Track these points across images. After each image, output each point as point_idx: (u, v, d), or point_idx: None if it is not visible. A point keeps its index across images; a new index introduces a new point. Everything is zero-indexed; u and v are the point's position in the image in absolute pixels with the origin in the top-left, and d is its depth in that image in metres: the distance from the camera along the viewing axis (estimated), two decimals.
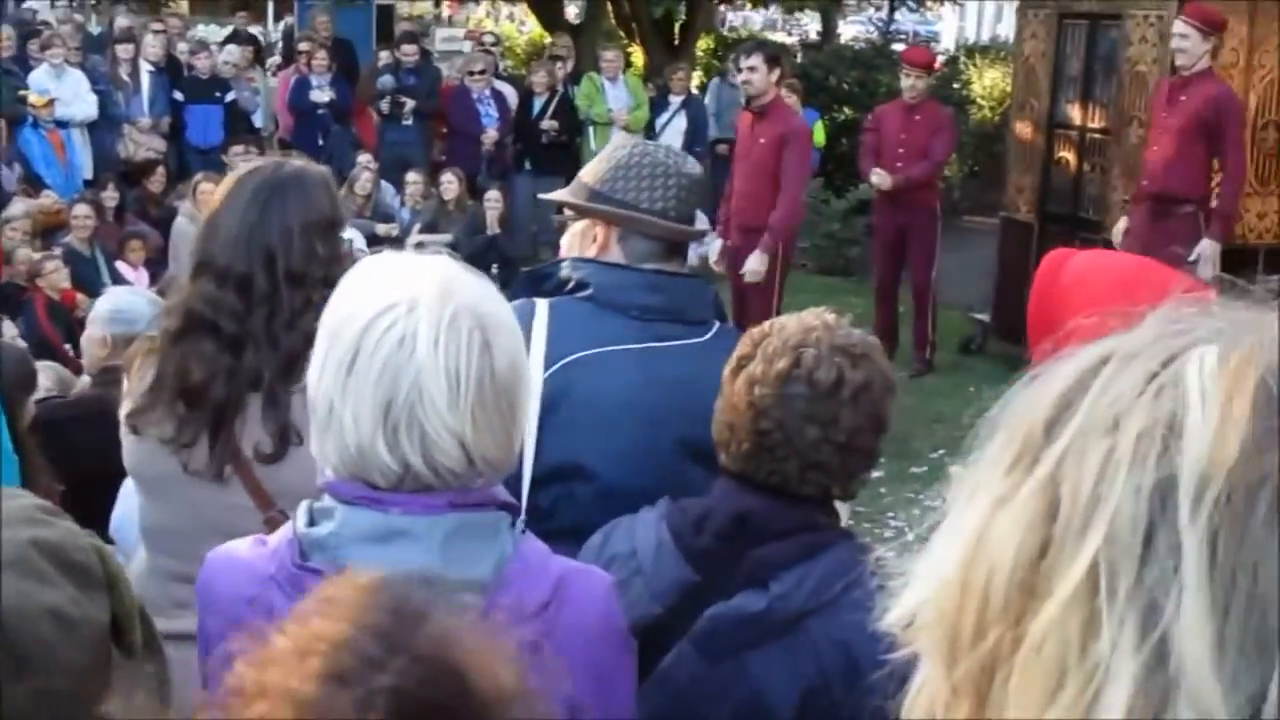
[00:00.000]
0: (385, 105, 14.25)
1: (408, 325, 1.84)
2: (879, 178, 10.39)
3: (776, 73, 9.43)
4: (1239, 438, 0.78)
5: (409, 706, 1.01)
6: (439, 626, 1.07)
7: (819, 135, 13.56)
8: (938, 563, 0.91)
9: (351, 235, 6.36)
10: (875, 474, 2.62)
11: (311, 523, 1.94)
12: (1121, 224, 9.29)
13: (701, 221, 3.33)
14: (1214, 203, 8.79)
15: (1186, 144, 8.72)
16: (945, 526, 0.92)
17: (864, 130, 11.51)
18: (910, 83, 10.67)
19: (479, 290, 1.92)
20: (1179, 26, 8.76)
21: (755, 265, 9.21)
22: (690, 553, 2.42)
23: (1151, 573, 0.78)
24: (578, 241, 3.13)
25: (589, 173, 3.14)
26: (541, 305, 2.96)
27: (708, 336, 3.01)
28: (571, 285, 3.00)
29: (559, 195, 3.21)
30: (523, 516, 2.11)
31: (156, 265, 11.23)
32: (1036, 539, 0.83)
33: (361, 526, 1.89)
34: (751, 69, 9.37)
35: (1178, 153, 8.74)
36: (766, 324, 2.49)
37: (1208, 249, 8.51)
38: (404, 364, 1.83)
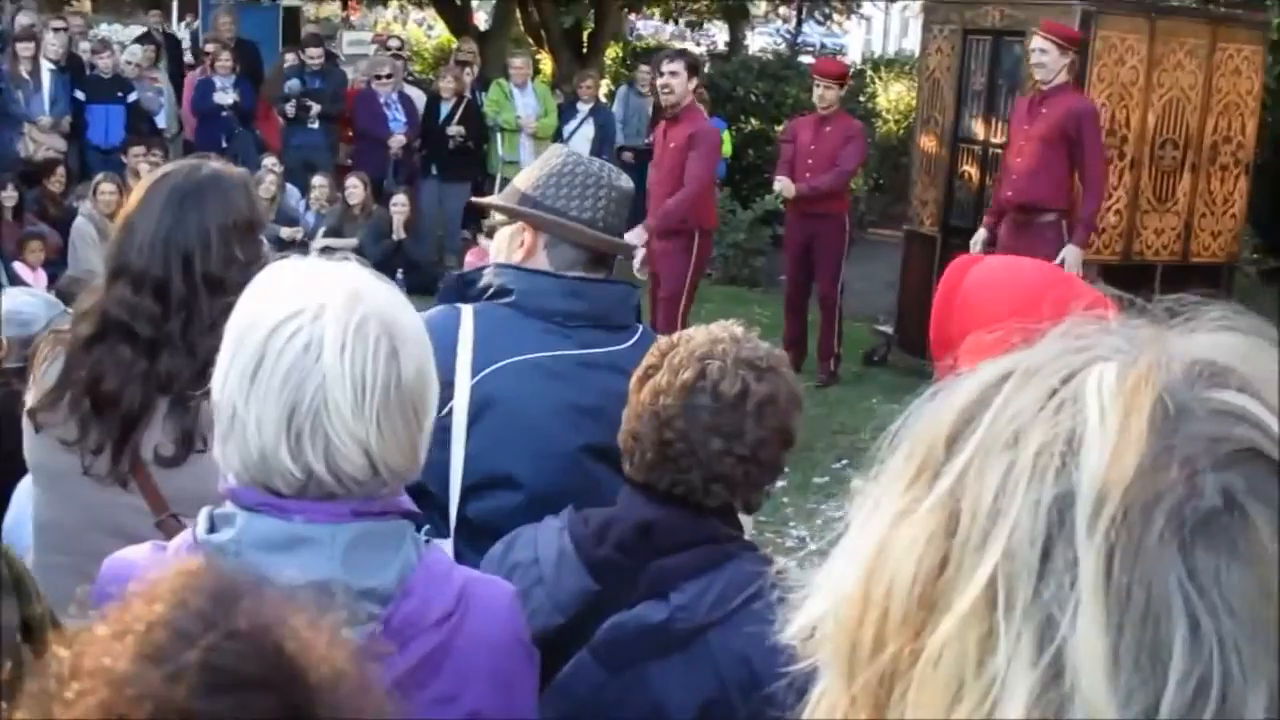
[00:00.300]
0: (291, 109, 14.12)
1: (314, 331, 1.82)
2: (782, 184, 10.48)
3: (694, 81, 9.53)
4: (1136, 455, 0.78)
5: (220, 680, 0.99)
6: (257, 605, 1.06)
7: (726, 145, 13.61)
8: (839, 576, 0.91)
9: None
10: (778, 484, 2.63)
11: (212, 529, 1.91)
12: (980, 234, 9.48)
13: (635, 237, 3.41)
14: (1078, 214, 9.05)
15: (1048, 154, 9.01)
16: (846, 540, 0.92)
17: (779, 142, 11.60)
18: (820, 93, 10.75)
19: (387, 297, 1.90)
20: (1037, 42, 9.05)
21: (633, 237, 9.35)
22: (591, 562, 2.41)
23: (1049, 588, 0.78)
24: (505, 245, 3.13)
25: (523, 179, 3.15)
26: (466, 311, 2.95)
27: (630, 342, 3.01)
28: (493, 291, 3.00)
29: (492, 200, 3.23)
30: (428, 527, 2.09)
31: (56, 266, 11.03)
32: (936, 553, 0.84)
33: (262, 533, 1.86)
34: (674, 74, 9.51)
35: (1040, 163, 9.02)
36: (674, 335, 2.50)
37: (1071, 255, 8.76)
38: (309, 370, 1.81)
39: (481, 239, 12.34)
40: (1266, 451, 0.80)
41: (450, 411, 2.83)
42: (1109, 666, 0.76)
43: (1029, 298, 2.70)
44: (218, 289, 2.75)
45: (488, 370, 2.89)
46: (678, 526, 2.40)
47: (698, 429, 2.33)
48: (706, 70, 17.72)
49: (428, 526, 2.09)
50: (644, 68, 16.56)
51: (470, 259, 11.17)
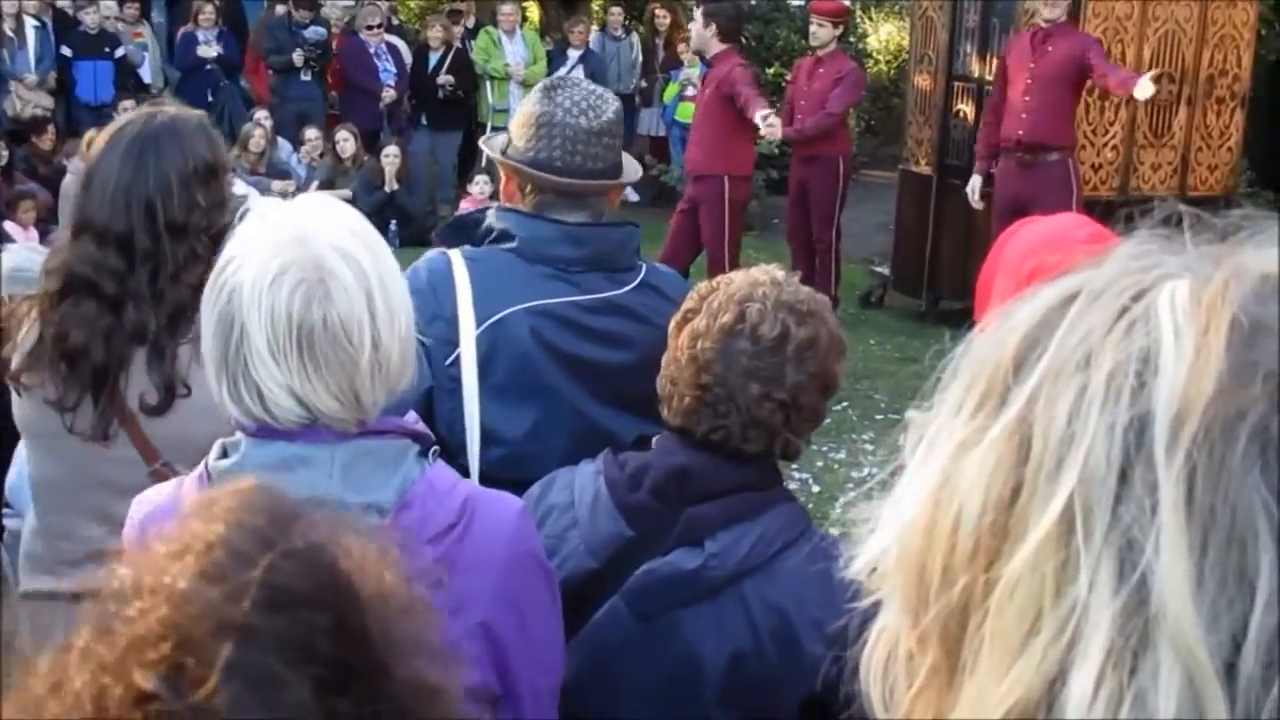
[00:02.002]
0: (299, 57, 13.95)
1: (237, 277, 1.88)
2: (765, 123, 10.10)
3: (713, 27, 9.59)
4: (1215, 372, 0.76)
5: (279, 599, 1.02)
6: (313, 525, 1.09)
7: None
8: (902, 509, 0.89)
9: (246, 192, 6.26)
10: None
11: (224, 456, 1.99)
12: (976, 181, 9.48)
13: (631, 171, 3.35)
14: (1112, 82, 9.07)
15: (1055, 93, 9.05)
16: (908, 473, 0.90)
17: (786, 84, 11.58)
18: (814, 31, 10.68)
19: (335, 239, 1.91)
20: None
21: (771, 127, 9.52)
22: (626, 508, 2.38)
23: (1128, 512, 0.76)
24: (508, 189, 3.10)
25: (514, 125, 3.10)
26: (457, 258, 2.90)
27: (634, 284, 2.99)
28: (496, 235, 2.97)
29: (491, 146, 3.18)
30: (435, 448, 2.08)
31: (47, 224, 10.97)
32: (1007, 481, 0.82)
33: (264, 456, 1.93)
34: (693, 21, 9.83)
35: (1048, 102, 9.05)
36: (714, 280, 2.46)
37: (1142, 84, 8.68)
38: (233, 315, 1.88)
39: (472, 187, 12.30)
40: None
41: (456, 360, 2.82)
42: (1194, 590, 0.74)
43: (1062, 240, 2.69)
44: (181, 235, 2.78)
45: (493, 319, 2.85)
46: (714, 473, 2.37)
47: (736, 373, 2.30)
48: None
49: (436, 448, 2.08)
50: (615, 10, 16.45)
51: (465, 205, 11.13)
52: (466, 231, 3.03)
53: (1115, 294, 0.82)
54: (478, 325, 2.84)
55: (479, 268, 2.90)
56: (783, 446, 2.40)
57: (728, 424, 2.33)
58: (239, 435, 1.98)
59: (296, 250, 1.88)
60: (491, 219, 3.00)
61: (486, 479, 2.70)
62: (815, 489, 7.30)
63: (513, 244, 2.94)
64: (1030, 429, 0.81)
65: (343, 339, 1.87)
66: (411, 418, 2.07)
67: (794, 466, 7.47)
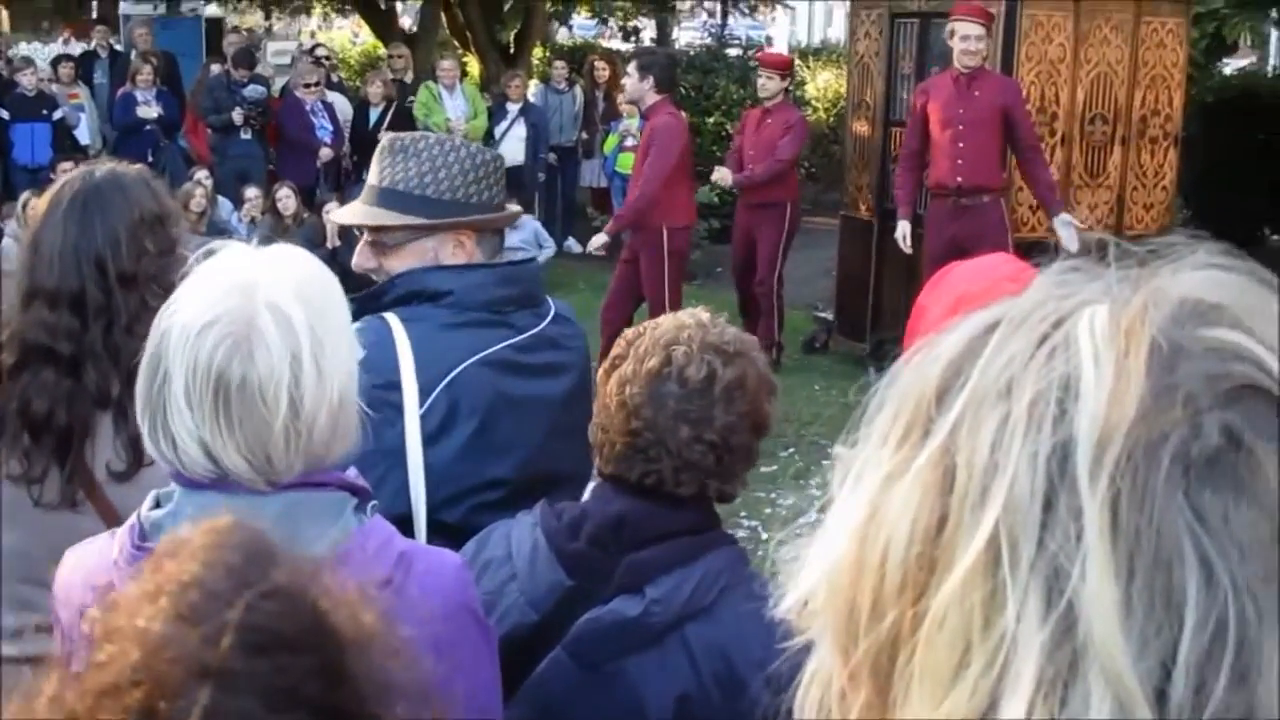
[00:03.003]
0: (239, 116, 13.89)
1: (172, 319, 1.88)
2: (719, 174, 10.61)
3: (649, 79, 9.59)
4: (1136, 396, 0.76)
5: (258, 640, 0.99)
6: (291, 564, 1.06)
7: None
8: (831, 544, 0.88)
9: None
10: None
11: (157, 508, 1.97)
12: (904, 227, 9.55)
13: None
14: (1038, 187, 9.17)
15: (986, 136, 9.19)
16: (836, 507, 0.90)
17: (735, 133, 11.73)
18: (762, 83, 10.96)
19: (274, 295, 1.88)
20: (967, 28, 9.19)
21: (596, 240, 9.74)
22: (565, 557, 2.37)
23: (1054, 539, 0.76)
24: (430, 258, 3.04)
25: (409, 181, 3.03)
26: (394, 322, 2.88)
27: (550, 316, 3.06)
28: (424, 295, 2.94)
29: (403, 221, 3.04)
30: (374, 503, 2.06)
31: None
32: (933, 512, 0.81)
33: (195, 506, 1.89)
34: (627, 75, 9.79)
35: (981, 146, 9.20)
36: (642, 325, 2.46)
37: (1064, 224, 8.94)
38: (160, 357, 1.87)
39: None
40: (1266, 387, 0.78)
41: (401, 432, 2.80)
42: (1122, 616, 0.74)
43: (988, 275, 2.72)
44: (131, 285, 2.75)
45: (447, 379, 2.85)
46: (650, 519, 2.35)
47: (665, 416, 2.29)
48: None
49: (375, 502, 2.06)
50: (559, 64, 16.55)
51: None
52: (376, 300, 2.99)
53: (1036, 321, 0.82)
54: (435, 385, 2.83)
55: (418, 328, 2.88)
56: (717, 489, 2.39)
57: (660, 468, 2.31)
58: (172, 485, 1.96)
59: (232, 301, 1.86)
60: (412, 282, 2.97)
61: (447, 531, 2.69)
62: (764, 536, 7.28)
63: (450, 298, 2.93)
64: (954, 459, 0.81)
65: (258, 400, 1.84)
66: (351, 472, 2.05)
67: (742, 514, 7.46)
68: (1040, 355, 0.80)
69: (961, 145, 9.23)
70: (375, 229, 3.06)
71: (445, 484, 2.84)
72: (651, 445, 2.30)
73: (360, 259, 3.06)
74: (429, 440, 2.83)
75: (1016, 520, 0.77)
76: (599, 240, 9.69)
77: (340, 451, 1.97)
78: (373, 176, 3.09)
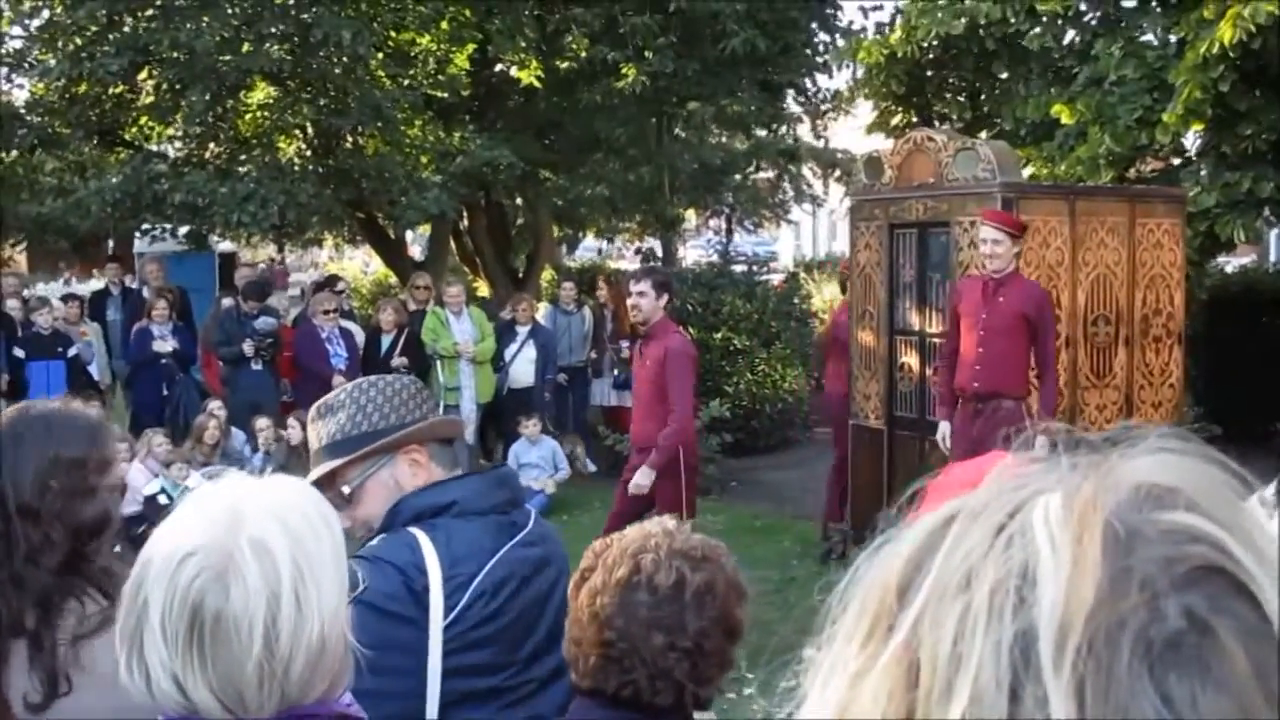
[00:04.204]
0: (250, 348, 14.05)
1: (155, 548, 1.86)
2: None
3: (664, 298, 9.46)
4: (1093, 582, 0.76)
5: None
6: None
7: None
8: None
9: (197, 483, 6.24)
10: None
11: None
12: (944, 428, 9.49)
13: (643, 477, 3.64)
14: (1040, 404, 9.05)
15: (1008, 343, 9.02)
16: (805, 708, 0.89)
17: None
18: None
19: (259, 529, 1.86)
20: (988, 232, 9.05)
21: (641, 480, 9.20)
22: None
23: None
24: (393, 485, 3.11)
25: (344, 427, 3.13)
26: (420, 535, 2.95)
27: (533, 513, 3.22)
28: (431, 511, 3.02)
29: (349, 458, 3.13)
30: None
31: None
32: (900, 708, 0.80)
33: None
34: (641, 293, 9.35)
35: (1002, 352, 9.03)
36: (608, 537, 2.48)
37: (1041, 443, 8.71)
38: (140, 585, 1.85)
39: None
40: (1225, 568, 0.78)
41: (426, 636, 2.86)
42: None
43: (975, 474, 2.71)
44: (34, 520, 2.74)
45: (477, 580, 2.93)
46: None
47: (637, 625, 2.29)
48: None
49: None
50: (567, 285, 16.80)
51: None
52: (388, 529, 3.06)
53: (992, 512, 0.83)
54: (466, 589, 2.91)
55: (441, 536, 2.96)
56: (694, 695, 2.36)
57: (635, 678, 2.30)
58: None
59: (214, 533, 1.84)
60: (421, 500, 3.05)
61: None
62: None
63: (454, 509, 3.00)
64: (917, 653, 0.80)
65: (231, 636, 1.81)
66: (346, 699, 2.00)
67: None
68: (998, 545, 0.80)
69: (981, 350, 9.08)
70: (329, 480, 3.12)
71: (473, 681, 2.89)
72: (625, 655, 2.29)
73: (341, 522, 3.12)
74: (461, 640, 2.89)
75: (983, 712, 0.76)
76: (645, 480, 9.33)
77: (322, 691, 1.91)
78: (312, 443, 3.19)
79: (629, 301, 9.63)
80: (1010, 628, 0.77)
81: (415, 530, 2.97)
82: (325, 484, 3.10)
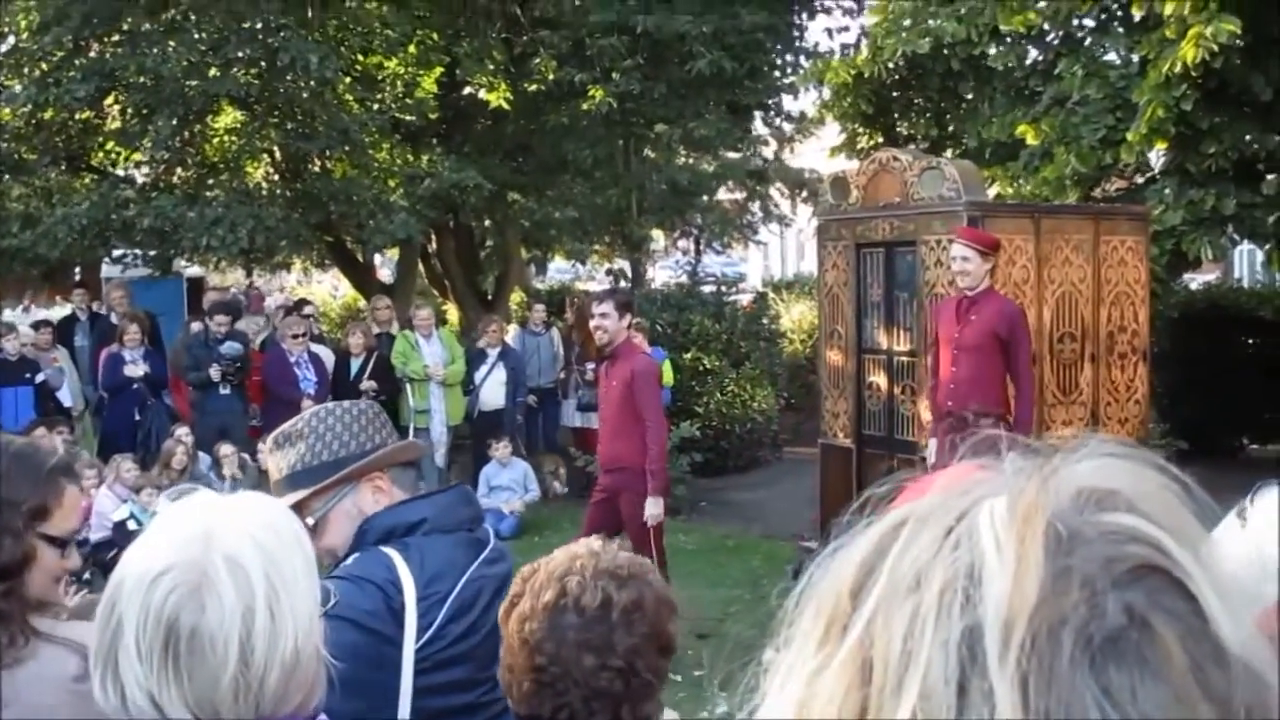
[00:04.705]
0: (217, 372, 14.01)
1: (129, 567, 1.87)
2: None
3: (626, 318, 9.46)
4: (1036, 580, 0.80)
5: None
6: None
7: (667, 373, 13.72)
8: None
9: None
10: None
11: None
12: (932, 445, 9.50)
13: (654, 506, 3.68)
14: (1015, 419, 9.03)
15: (981, 361, 8.96)
16: (764, 708, 0.92)
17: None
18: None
19: (232, 546, 1.87)
20: (959, 250, 9.02)
21: (654, 510, 9.14)
22: None
23: None
24: (355, 514, 3.13)
25: (304, 458, 3.14)
26: (394, 554, 2.99)
27: (492, 530, 3.27)
28: (401, 530, 3.05)
29: (312, 490, 3.14)
30: None
31: None
32: (854, 705, 0.84)
33: None
34: (604, 315, 9.30)
35: (975, 371, 8.97)
36: (535, 562, 2.48)
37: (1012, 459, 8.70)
38: (114, 604, 1.86)
39: None
40: (1163, 567, 0.81)
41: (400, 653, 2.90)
42: None
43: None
44: None
45: (451, 598, 2.98)
46: None
47: (568, 648, 2.29)
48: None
49: None
50: (538, 307, 16.83)
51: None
52: (359, 546, 3.09)
53: (941, 516, 0.86)
54: (440, 607, 2.96)
55: (414, 554, 3.00)
56: (631, 714, 2.35)
57: (569, 700, 2.30)
58: None
59: (188, 551, 1.85)
60: (390, 518, 3.08)
61: None
62: None
63: (424, 527, 3.04)
64: (870, 652, 0.84)
65: (207, 652, 1.82)
66: (321, 718, 2.02)
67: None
68: (946, 547, 0.84)
69: (954, 369, 9.08)
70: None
71: (447, 698, 2.93)
72: (558, 679, 2.29)
73: None
74: (436, 658, 2.92)
75: (933, 706, 0.79)
76: (657, 509, 9.23)
77: (296, 703, 1.92)
78: (272, 474, 3.20)
79: (592, 324, 9.59)
80: (958, 626, 0.80)
81: (388, 550, 2.99)
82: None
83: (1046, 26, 14.42)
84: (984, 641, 0.79)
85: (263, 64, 15.86)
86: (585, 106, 17.48)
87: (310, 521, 3.10)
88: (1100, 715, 0.76)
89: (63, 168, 17.75)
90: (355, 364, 14.43)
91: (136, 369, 14.14)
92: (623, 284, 19.91)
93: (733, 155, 21.38)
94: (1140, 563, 0.81)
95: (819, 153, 20.44)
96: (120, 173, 18.01)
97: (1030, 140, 13.63)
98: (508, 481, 13.65)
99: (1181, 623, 0.80)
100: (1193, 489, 0.89)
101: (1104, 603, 0.79)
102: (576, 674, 2.28)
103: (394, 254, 21.95)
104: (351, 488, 3.11)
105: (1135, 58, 13.16)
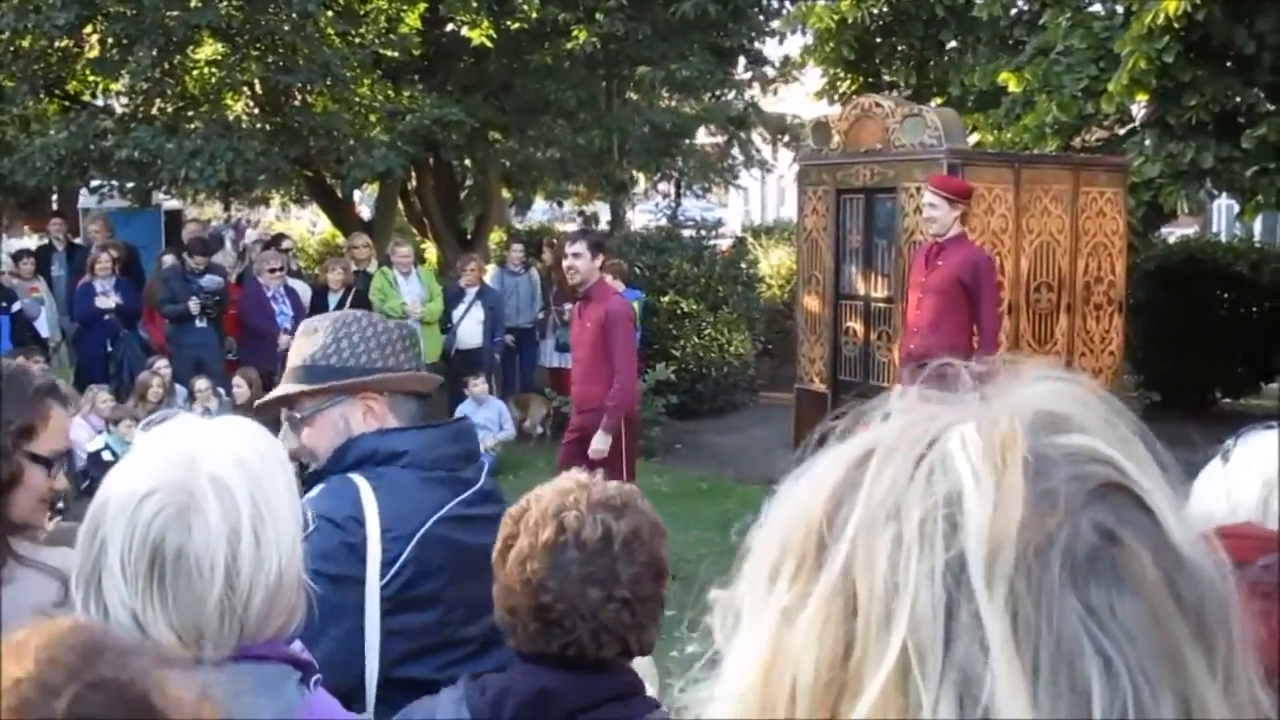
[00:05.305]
0: (196, 305, 13.93)
1: (113, 488, 1.88)
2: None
3: (599, 258, 9.43)
4: (1019, 505, 0.81)
5: None
6: (122, 657, 1.09)
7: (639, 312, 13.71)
8: (732, 685, 0.90)
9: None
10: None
11: None
12: (896, 390, 9.49)
13: (600, 441, 3.57)
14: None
15: (945, 306, 8.97)
16: (730, 650, 0.92)
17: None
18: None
19: (218, 467, 1.88)
20: (927, 197, 9.02)
21: (599, 445, 9.14)
22: None
23: (960, 648, 0.80)
24: (342, 426, 3.12)
25: (312, 355, 3.14)
26: (362, 483, 2.95)
27: (485, 468, 3.18)
28: (380, 457, 3.02)
29: (306, 388, 3.14)
30: (317, 676, 2.06)
31: None
32: (839, 639, 0.84)
33: None
34: (577, 255, 9.24)
35: (938, 315, 8.98)
36: (524, 499, 2.45)
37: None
38: (98, 525, 1.86)
39: None
40: (1123, 484, 0.84)
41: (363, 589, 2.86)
42: (1034, 711, 0.78)
43: None
44: None
45: (416, 539, 2.93)
46: (576, 690, 2.33)
47: (572, 584, 2.29)
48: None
49: (318, 676, 2.05)
50: (517, 247, 16.79)
51: None
52: (336, 464, 3.07)
53: (910, 445, 0.87)
54: (404, 545, 2.91)
55: (384, 488, 2.95)
56: (637, 642, 2.37)
57: (578, 635, 2.30)
58: None
59: (174, 473, 1.85)
60: (368, 444, 3.05)
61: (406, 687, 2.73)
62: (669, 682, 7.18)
63: (404, 459, 3.00)
64: (854, 585, 0.84)
65: (194, 573, 1.83)
66: (297, 646, 2.03)
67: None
68: (919, 476, 0.85)
69: (919, 313, 9.10)
70: (283, 402, 3.15)
71: (413, 640, 2.88)
72: (565, 616, 2.29)
73: (284, 440, 3.10)
74: (398, 598, 2.88)
75: (923, 635, 0.81)
76: (602, 444, 9.40)
77: (278, 626, 1.94)
78: (292, 358, 3.19)
79: (565, 263, 9.55)
80: (943, 553, 0.82)
81: (357, 477, 2.95)
82: (281, 403, 3.15)
83: None
84: (970, 569, 0.80)
85: None
86: (569, 46, 17.38)
87: (298, 415, 3.12)
88: (1086, 631, 0.79)
89: (41, 96, 17.59)
90: (334, 300, 14.38)
91: (108, 300, 14.07)
92: (595, 227, 19.84)
93: (714, 99, 21.29)
94: (1103, 481, 0.84)
95: (802, 98, 20.38)
96: (99, 102, 17.85)
97: (1012, 88, 13.61)
98: (483, 420, 13.62)
99: (1148, 537, 0.82)
100: (1126, 413, 0.90)
101: (1079, 522, 0.81)
102: (583, 608, 2.28)
103: (373, 191, 21.85)
104: (344, 399, 3.09)
105: (1119, 9, 13.13)
